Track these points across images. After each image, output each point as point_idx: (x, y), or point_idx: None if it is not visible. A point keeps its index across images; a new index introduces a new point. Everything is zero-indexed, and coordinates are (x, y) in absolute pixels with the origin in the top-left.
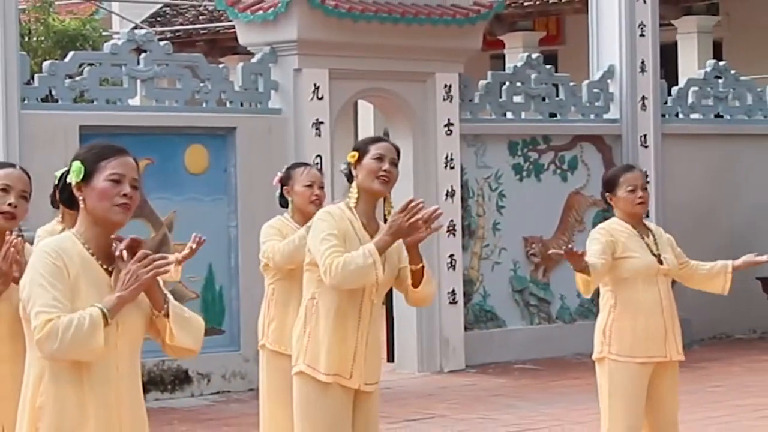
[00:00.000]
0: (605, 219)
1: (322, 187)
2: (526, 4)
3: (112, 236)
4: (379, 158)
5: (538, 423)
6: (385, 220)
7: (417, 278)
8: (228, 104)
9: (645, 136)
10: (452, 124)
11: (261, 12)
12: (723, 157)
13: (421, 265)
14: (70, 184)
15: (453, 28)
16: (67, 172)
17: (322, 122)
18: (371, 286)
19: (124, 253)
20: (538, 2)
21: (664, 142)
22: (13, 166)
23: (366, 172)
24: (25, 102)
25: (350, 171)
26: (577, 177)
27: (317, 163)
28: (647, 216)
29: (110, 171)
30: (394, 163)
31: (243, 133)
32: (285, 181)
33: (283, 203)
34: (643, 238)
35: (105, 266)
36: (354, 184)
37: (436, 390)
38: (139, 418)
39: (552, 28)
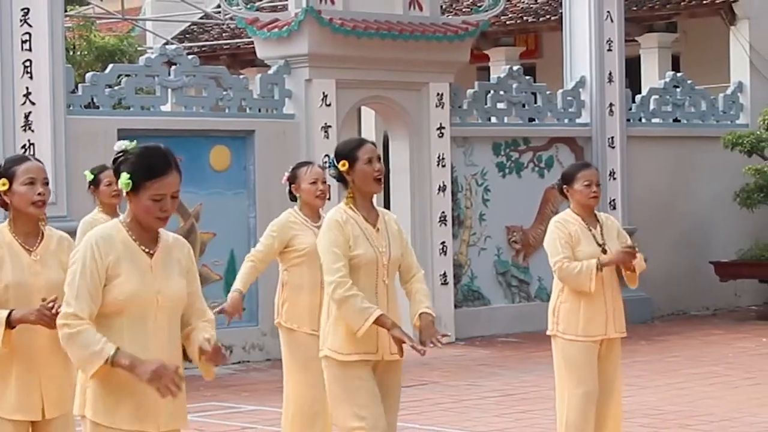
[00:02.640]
0: None
1: (324, 182)
2: (508, 22)
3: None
4: (370, 161)
5: (519, 389)
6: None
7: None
8: (248, 110)
9: (612, 138)
10: (444, 128)
11: (276, 30)
12: (680, 156)
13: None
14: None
15: (444, 44)
16: (116, 173)
17: (329, 126)
18: (382, 268)
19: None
20: (518, 21)
21: (629, 144)
22: (28, 159)
23: (362, 177)
24: (71, 108)
25: (340, 175)
26: (553, 174)
27: (326, 162)
28: (614, 208)
29: (153, 192)
30: (380, 159)
31: (261, 135)
32: (292, 180)
33: (293, 198)
34: (590, 230)
35: (147, 250)
36: (349, 188)
37: (429, 360)
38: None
39: (531, 43)
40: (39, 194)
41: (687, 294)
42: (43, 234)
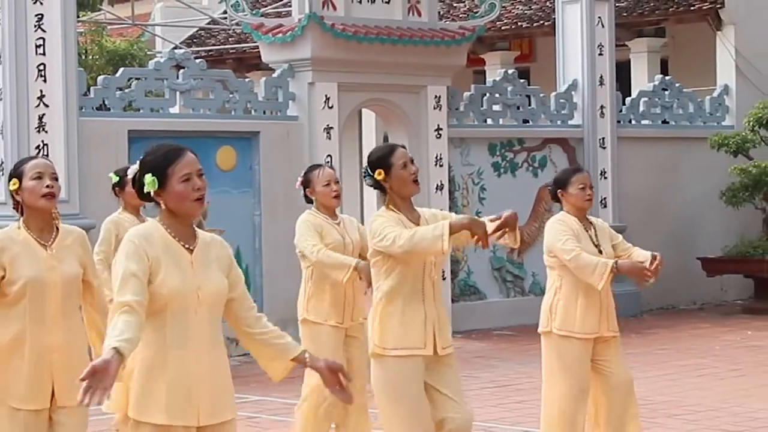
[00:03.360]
0: None
1: (337, 182)
2: (503, 28)
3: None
4: (405, 165)
5: (514, 380)
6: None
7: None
8: (253, 112)
9: (603, 139)
10: (441, 129)
11: (281, 35)
12: (669, 156)
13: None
14: (147, 191)
15: (442, 48)
16: (138, 177)
17: (332, 127)
18: (429, 265)
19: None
20: (513, 26)
21: (619, 144)
22: (35, 157)
23: (399, 182)
24: (83, 110)
25: (377, 184)
26: (546, 173)
27: (328, 162)
28: (605, 206)
29: (180, 173)
30: (413, 161)
31: (265, 136)
32: (306, 184)
33: (308, 201)
34: (586, 231)
35: (186, 246)
36: (387, 196)
37: None
38: (215, 364)
39: (525, 48)
40: (47, 186)
41: (675, 289)
42: (57, 229)
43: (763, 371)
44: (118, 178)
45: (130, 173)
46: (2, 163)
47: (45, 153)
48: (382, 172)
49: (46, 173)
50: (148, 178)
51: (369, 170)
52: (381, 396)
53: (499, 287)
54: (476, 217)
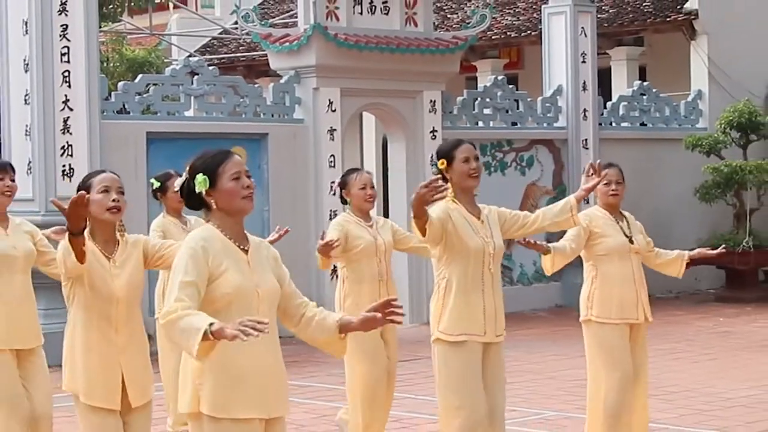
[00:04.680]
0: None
1: (372, 187)
2: (493, 37)
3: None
4: (466, 160)
5: None
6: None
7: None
8: (262, 115)
9: (586, 140)
10: (436, 131)
11: (287, 44)
12: (646, 156)
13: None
14: (197, 192)
15: (437, 56)
16: (187, 182)
17: (335, 129)
18: (488, 257)
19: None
20: (502, 36)
21: (601, 145)
22: (103, 171)
23: (459, 174)
24: (104, 113)
25: (443, 175)
26: (533, 172)
27: (330, 162)
28: (587, 202)
29: (230, 172)
30: (477, 158)
31: (273, 137)
32: (343, 185)
33: (344, 201)
34: (617, 223)
35: (241, 247)
36: (450, 185)
37: (423, 337)
38: (276, 358)
39: (513, 56)
40: (113, 201)
41: (652, 278)
42: (119, 242)
43: (734, 355)
44: (159, 184)
45: (178, 183)
46: (30, 162)
47: (69, 153)
48: (445, 162)
49: (113, 187)
50: (200, 177)
51: (436, 160)
52: (440, 381)
53: None
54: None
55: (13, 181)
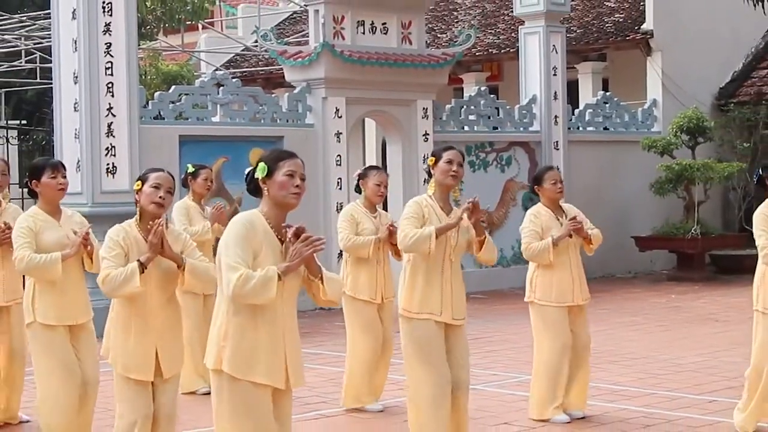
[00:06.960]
0: (531, 198)
1: (386, 186)
2: (477, 53)
3: (283, 224)
4: (450, 162)
5: (485, 334)
6: (456, 204)
7: (479, 246)
8: (278, 121)
9: (557, 142)
10: (428, 134)
11: (300, 59)
12: (609, 156)
13: (482, 237)
14: (255, 178)
15: (429, 70)
16: (253, 171)
17: (341, 133)
18: (450, 248)
19: (292, 237)
20: (485, 53)
21: (569, 147)
22: (161, 170)
23: (441, 172)
24: (143, 119)
25: (429, 170)
26: (512, 169)
27: (337, 161)
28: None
29: (286, 168)
30: (461, 164)
31: (288, 140)
32: (362, 176)
33: (357, 189)
34: (558, 219)
35: (279, 237)
36: (432, 180)
37: None
38: (296, 341)
39: (495, 69)
40: (160, 197)
41: (614, 261)
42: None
43: (684, 327)
44: (194, 170)
45: (247, 171)
46: (78, 161)
47: (113, 153)
48: (434, 160)
49: (163, 186)
50: (261, 165)
51: (427, 158)
52: (406, 352)
53: (473, 259)
54: (451, 221)
55: (65, 178)
